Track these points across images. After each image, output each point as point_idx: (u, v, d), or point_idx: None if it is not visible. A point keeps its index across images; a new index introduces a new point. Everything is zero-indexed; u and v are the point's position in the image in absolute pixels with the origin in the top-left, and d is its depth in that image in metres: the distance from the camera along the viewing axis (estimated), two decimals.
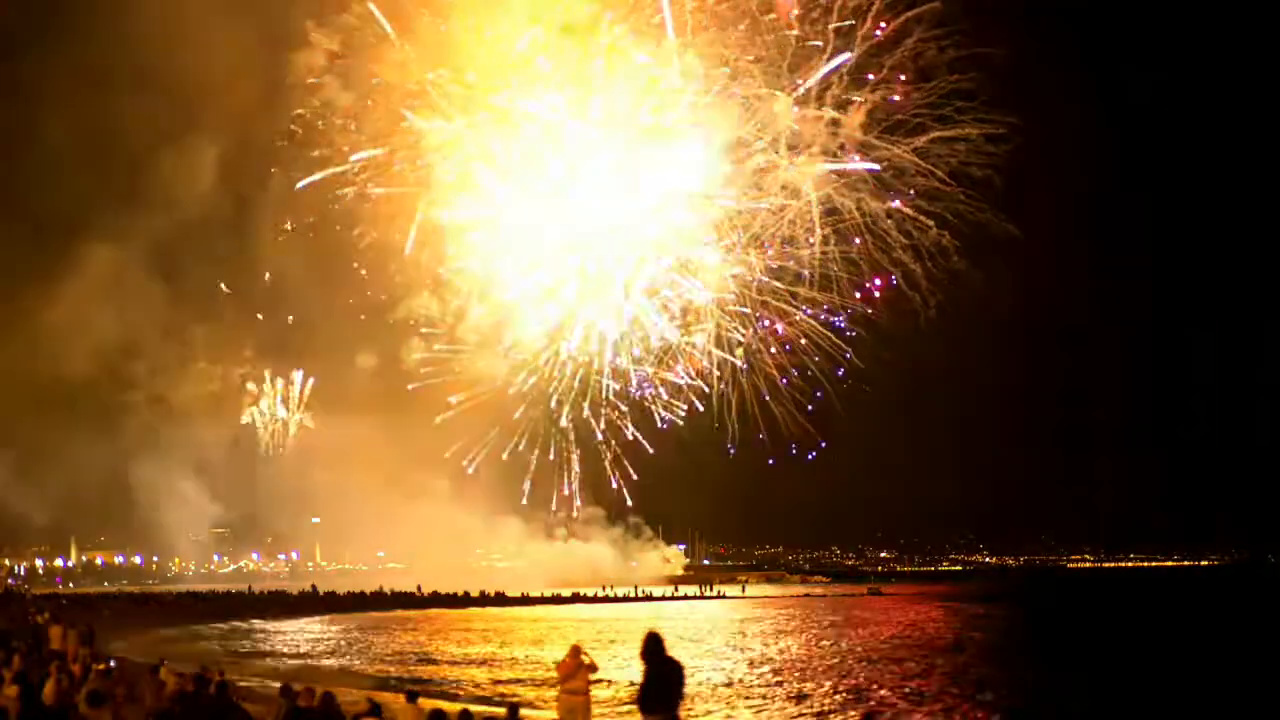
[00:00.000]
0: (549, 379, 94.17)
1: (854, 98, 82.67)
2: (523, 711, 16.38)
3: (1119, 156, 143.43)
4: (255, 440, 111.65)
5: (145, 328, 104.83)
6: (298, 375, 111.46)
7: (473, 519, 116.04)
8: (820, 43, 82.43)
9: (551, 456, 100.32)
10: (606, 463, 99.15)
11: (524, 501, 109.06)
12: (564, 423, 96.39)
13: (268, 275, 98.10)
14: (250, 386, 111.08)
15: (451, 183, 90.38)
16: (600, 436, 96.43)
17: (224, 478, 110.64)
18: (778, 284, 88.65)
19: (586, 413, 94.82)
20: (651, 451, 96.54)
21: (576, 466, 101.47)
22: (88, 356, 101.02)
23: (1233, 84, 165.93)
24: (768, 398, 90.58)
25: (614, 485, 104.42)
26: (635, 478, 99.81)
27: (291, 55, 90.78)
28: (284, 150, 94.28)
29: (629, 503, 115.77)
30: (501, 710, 17.38)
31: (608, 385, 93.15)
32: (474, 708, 18.31)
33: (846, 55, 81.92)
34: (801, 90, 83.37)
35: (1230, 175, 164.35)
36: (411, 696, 16.84)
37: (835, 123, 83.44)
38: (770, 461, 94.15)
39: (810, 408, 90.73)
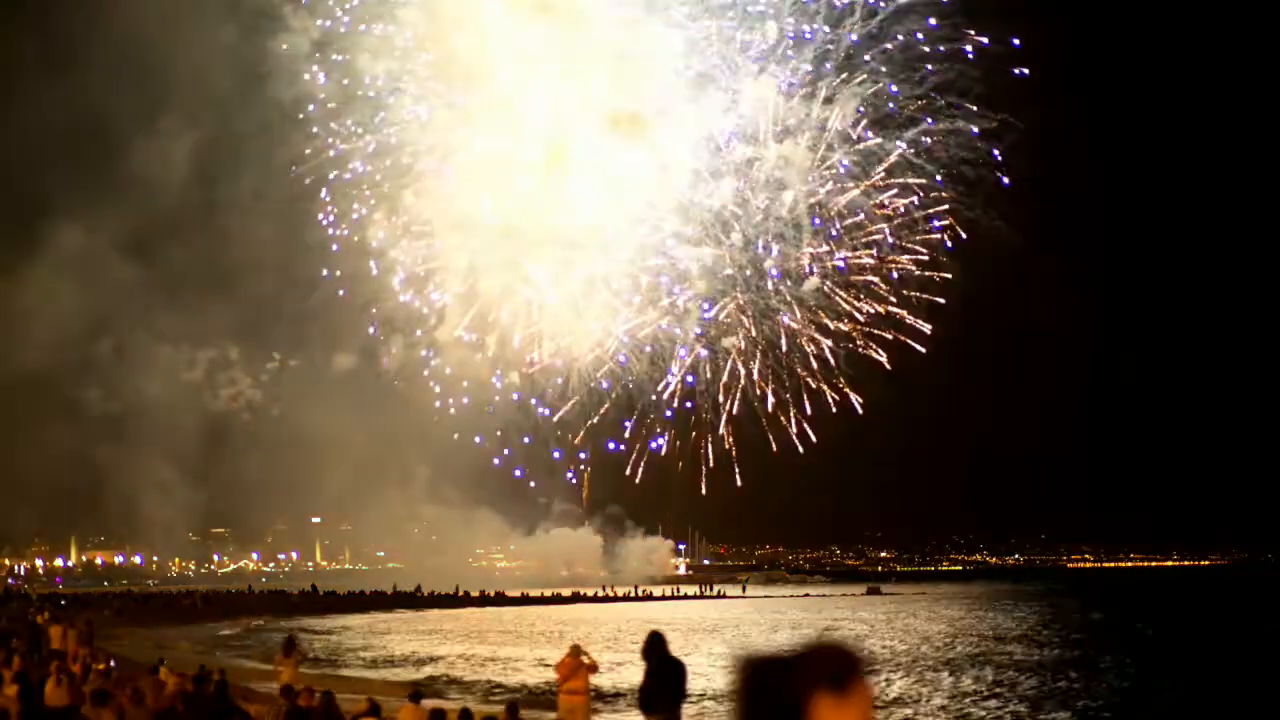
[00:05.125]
0: (535, 376, 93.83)
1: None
2: (522, 711, 16.36)
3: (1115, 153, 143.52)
4: (234, 430, 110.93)
5: (118, 314, 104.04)
6: (273, 365, 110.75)
7: (452, 513, 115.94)
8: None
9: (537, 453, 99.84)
10: (586, 456, 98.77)
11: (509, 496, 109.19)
12: (543, 414, 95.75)
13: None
14: (227, 374, 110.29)
15: (435, 175, 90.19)
16: (584, 432, 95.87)
17: (204, 469, 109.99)
18: (772, 281, 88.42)
19: (572, 407, 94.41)
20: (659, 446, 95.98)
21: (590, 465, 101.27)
22: (56, 345, 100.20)
23: (1234, 81, 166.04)
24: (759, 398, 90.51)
25: (597, 481, 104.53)
26: (626, 474, 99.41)
27: (270, 41, 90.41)
28: (261, 137, 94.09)
29: (609, 497, 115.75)
30: (501, 710, 17.36)
31: (596, 380, 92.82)
32: (474, 707, 18.30)
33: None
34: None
35: (1229, 174, 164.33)
36: (414, 696, 16.83)
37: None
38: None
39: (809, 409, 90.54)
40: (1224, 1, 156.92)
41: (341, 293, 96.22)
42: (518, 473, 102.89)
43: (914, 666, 37.74)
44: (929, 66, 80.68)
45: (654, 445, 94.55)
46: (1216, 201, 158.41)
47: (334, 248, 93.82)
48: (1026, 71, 79.88)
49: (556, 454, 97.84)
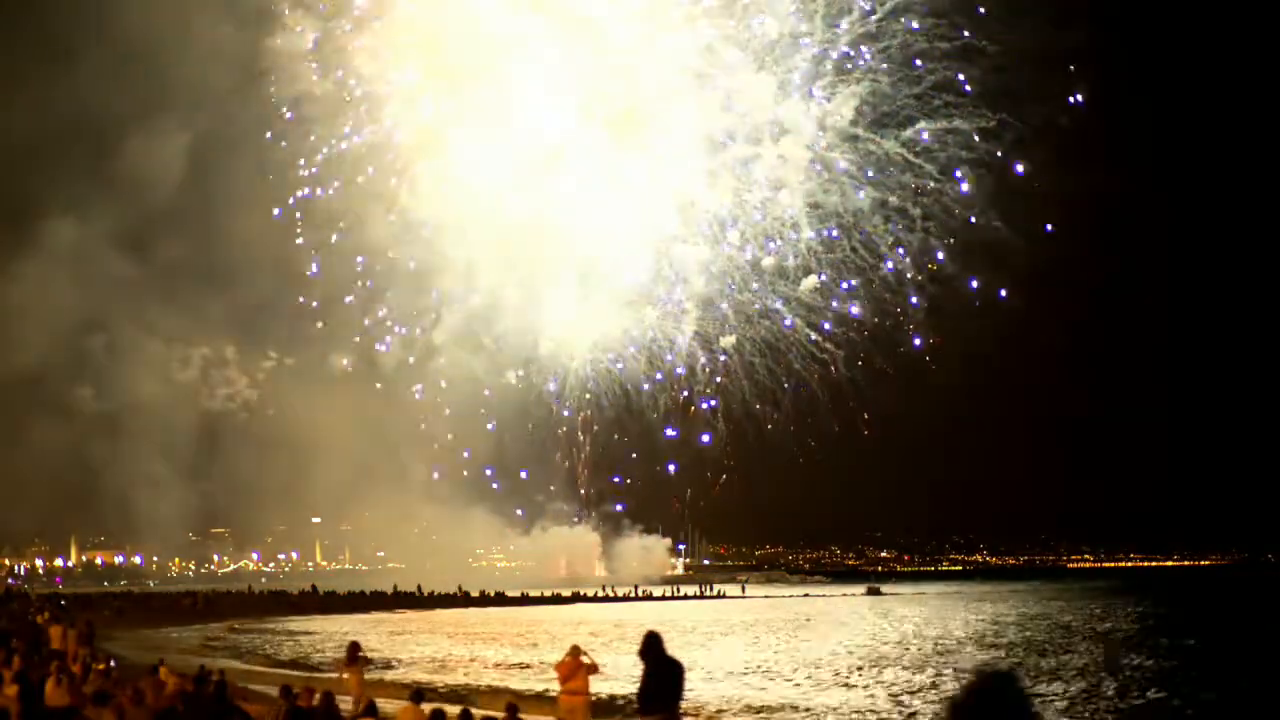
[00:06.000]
0: (531, 376, 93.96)
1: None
2: (521, 713, 16.38)
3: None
4: (232, 430, 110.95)
5: (113, 311, 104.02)
6: (270, 363, 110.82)
7: (450, 513, 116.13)
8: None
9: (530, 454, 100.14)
10: (583, 456, 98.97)
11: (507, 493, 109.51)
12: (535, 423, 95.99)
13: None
14: (223, 373, 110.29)
15: (432, 174, 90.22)
16: (581, 433, 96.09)
17: (203, 469, 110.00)
18: (765, 281, 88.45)
19: (568, 410, 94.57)
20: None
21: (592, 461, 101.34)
22: (50, 341, 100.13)
23: (1234, 79, 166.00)
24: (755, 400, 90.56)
25: (596, 479, 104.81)
26: (625, 474, 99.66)
27: (267, 39, 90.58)
28: (258, 134, 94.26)
29: (604, 494, 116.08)
30: (501, 710, 17.37)
31: (591, 381, 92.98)
32: (474, 709, 18.32)
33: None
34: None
35: (1228, 176, 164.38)
36: (415, 696, 16.84)
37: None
38: None
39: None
40: (1225, 3, 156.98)
41: (314, 297, 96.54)
42: (518, 508, 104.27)
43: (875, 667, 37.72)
44: (931, 65, 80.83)
45: (670, 470, 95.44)
46: (1216, 202, 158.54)
47: (327, 248, 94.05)
48: (1080, 99, 79.77)
49: (553, 486, 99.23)
